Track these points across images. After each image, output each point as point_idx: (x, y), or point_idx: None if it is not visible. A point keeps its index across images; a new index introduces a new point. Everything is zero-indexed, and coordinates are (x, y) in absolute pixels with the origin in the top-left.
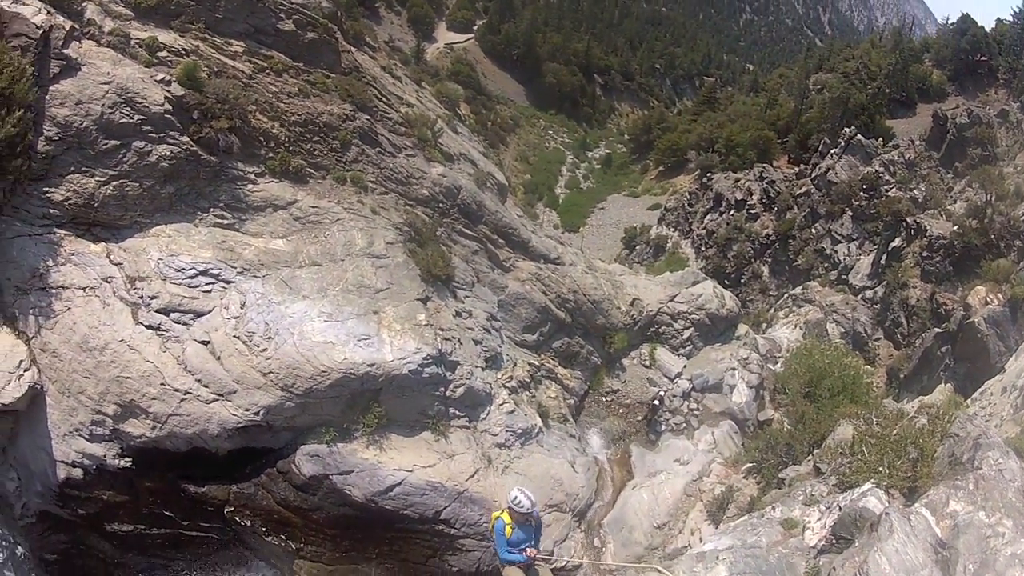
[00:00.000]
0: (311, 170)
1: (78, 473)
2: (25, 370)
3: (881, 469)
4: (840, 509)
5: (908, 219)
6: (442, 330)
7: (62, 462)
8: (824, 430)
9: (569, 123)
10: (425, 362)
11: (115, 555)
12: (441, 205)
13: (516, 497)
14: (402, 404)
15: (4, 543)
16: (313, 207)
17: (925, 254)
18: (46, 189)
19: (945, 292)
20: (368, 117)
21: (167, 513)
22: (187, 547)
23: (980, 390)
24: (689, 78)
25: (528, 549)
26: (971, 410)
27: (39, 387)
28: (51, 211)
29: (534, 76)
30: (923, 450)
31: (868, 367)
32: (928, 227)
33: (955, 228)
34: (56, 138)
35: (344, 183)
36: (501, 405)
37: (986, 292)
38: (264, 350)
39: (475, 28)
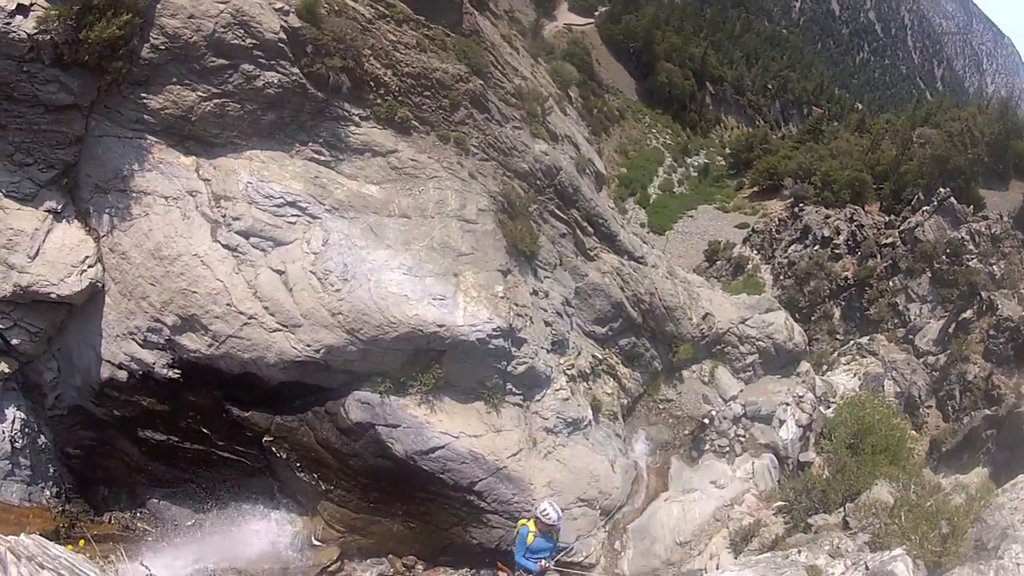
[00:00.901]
0: (416, 123)
1: (123, 375)
2: (89, 266)
3: (913, 537)
4: (867, 568)
5: (983, 293)
6: (516, 305)
7: (108, 362)
8: (861, 485)
9: (674, 125)
10: (494, 333)
11: (141, 461)
12: (538, 182)
13: (545, 510)
14: (462, 370)
15: (28, 430)
16: (412, 160)
17: (991, 332)
18: (144, 95)
19: (1002, 375)
20: (481, 82)
21: (204, 430)
22: (216, 467)
23: (1012, 482)
24: (798, 104)
25: (542, 561)
26: (1000, 500)
27: (100, 285)
28: (145, 117)
29: (647, 72)
30: (955, 528)
31: (914, 432)
32: (1000, 306)
33: None
34: (162, 47)
35: (447, 142)
36: (558, 391)
37: None
38: (338, 290)
39: (596, 14)
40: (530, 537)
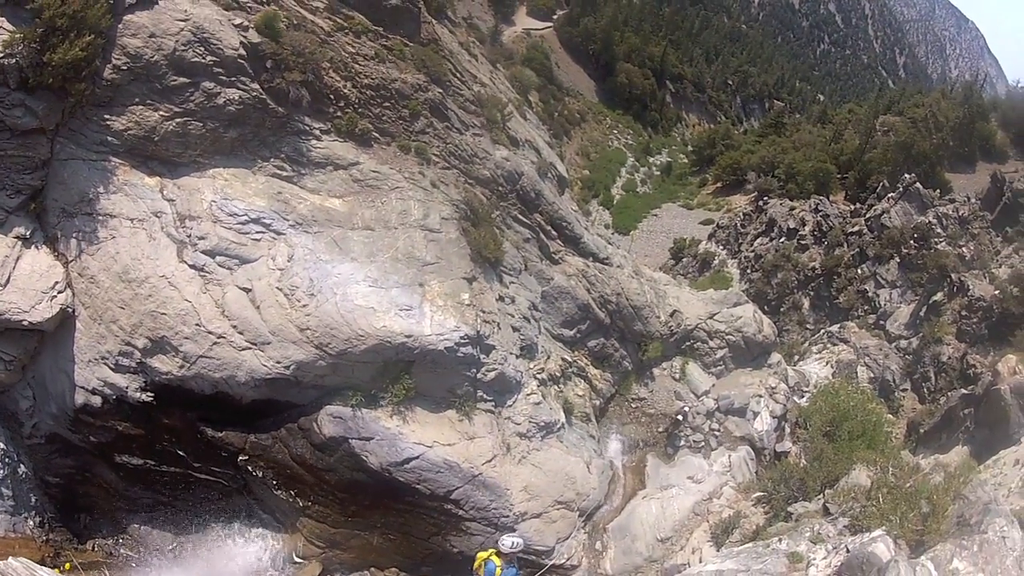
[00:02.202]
0: (377, 135)
1: (97, 401)
2: (59, 292)
3: (893, 518)
4: (848, 551)
5: (953, 275)
6: (483, 312)
7: (82, 388)
8: (839, 471)
9: (635, 125)
10: (462, 341)
11: (120, 486)
12: (500, 188)
13: (515, 543)
14: (432, 379)
15: (7, 460)
16: (374, 172)
17: (964, 313)
18: (107, 116)
19: (977, 355)
20: (440, 91)
21: (180, 452)
22: (194, 488)
23: (994, 458)
24: (759, 99)
25: None
26: (983, 476)
27: (71, 310)
28: (109, 139)
29: (607, 74)
30: (935, 506)
31: (890, 416)
32: (971, 287)
33: (996, 292)
34: (124, 67)
35: (408, 152)
36: (529, 395)
37: (1016, 362)
38: (305, 306)
39: (555, 17)
40: (498, 571)
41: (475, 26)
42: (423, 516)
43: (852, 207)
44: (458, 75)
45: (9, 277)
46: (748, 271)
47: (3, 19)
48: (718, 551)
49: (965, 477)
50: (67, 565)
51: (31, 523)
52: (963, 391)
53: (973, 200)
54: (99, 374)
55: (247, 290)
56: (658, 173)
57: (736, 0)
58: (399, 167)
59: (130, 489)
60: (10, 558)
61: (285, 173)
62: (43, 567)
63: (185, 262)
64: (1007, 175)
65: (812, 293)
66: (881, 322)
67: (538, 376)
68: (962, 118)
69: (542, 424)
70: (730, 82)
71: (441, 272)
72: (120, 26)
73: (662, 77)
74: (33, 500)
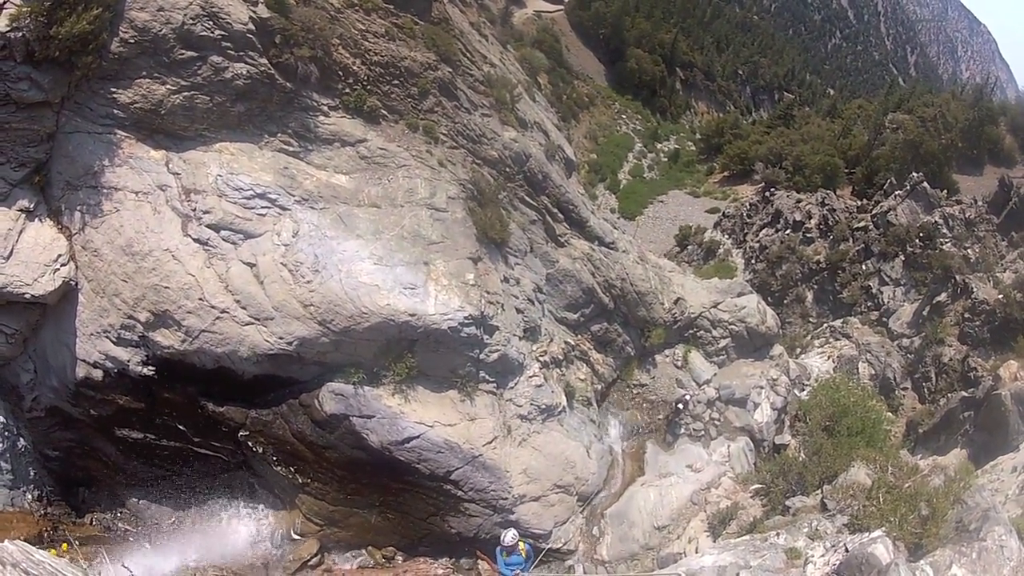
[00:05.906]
0: (385, 112)
1: (98, 374)
2: (62, 265)
3: (892, 519)
4: (847, 550)
5: (957, 277)
6: (488, 293)
7: (84, 361)
8: (838, 467)
9: (644, 111)
10: (466, 321)
11: (119, 460)
12: (508, 169)
13: (512, 536)
14: (435, 359)
15: (7, 434)
16: (381, 149)
17: (967, 315)
18: (113, 90)
19: (978, 358)
20: (450, 70)
21: (180, 427)
22: (194, 463)
23: (992, 463)
24: (769, 90)
25: (516, 570)
26: (980, 481)
27: (73, 283)
28: (115, 112)
29: (616, 58)
30: (935, 510)
31: (890, 414)
32: (975, 289)
33: (1000, 296)
34: (131, 41)
35: (416, 131)
36: (531, 377)
37: (1017, 367)
38: (309, 282)
39: (565, 0)
40: (504, 554)
41: (486, 6)
42: (422, 496)
43: (859, 202)
44: (468, 55)
45: (12, 250)
46: (753, 261)
47: None
48: (715, 542)
49: (964, 481)
50: (63, 546)
51: (29, 497)
52: (963, 394)
53: (980, 203)
54: (101, 347)
55: (251, 265)
56: (665, 160)
57: None
58: (407, 145)
59: (129, 463)
60: (5, 541)
61: (292, 148)
62: (39, 550)
63: (189, 236)
64: (1015, 180)
65: (816, 287)
66: (884, 319)
67: (541, 359)
68: (971, 120)
69: (543, 407)
70: (740, 72)
71: (446, 252)
72: None
73: (672, 64)
74: (32, 474)
